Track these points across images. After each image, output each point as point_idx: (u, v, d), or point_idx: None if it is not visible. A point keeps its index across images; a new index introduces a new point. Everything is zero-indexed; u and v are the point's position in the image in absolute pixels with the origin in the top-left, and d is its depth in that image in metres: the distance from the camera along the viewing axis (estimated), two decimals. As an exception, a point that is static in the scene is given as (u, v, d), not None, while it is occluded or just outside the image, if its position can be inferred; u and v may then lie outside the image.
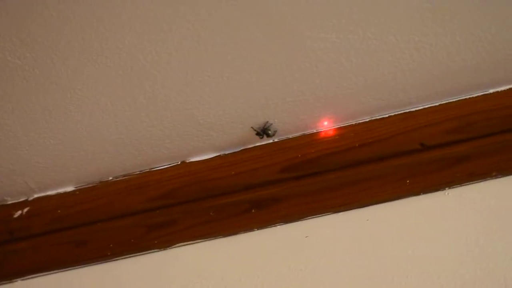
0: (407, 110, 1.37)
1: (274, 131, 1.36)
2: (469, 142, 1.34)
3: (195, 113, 1.33)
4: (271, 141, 1.39)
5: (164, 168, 1.43)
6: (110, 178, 1.44)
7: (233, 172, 1.40)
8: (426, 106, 1.36)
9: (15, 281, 1.45)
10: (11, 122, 1.30)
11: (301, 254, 1.35)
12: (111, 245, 1.42)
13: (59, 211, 1.45)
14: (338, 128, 1.38)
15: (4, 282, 1.44)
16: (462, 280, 1.27)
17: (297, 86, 1.30)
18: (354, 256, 1.33)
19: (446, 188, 1.34)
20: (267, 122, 1.35)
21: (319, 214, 1.37)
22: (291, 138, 1.39)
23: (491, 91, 1.35)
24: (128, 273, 1.41)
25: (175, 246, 1.41)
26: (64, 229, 1.45)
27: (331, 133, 1.38)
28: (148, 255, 1.42)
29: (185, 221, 1.41)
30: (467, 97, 1.35)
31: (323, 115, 1.36)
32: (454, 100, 1.35)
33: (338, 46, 1.23)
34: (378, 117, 1.38)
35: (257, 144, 1.40)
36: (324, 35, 1.21)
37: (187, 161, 1.42)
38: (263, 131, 1.35)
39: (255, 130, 1.35)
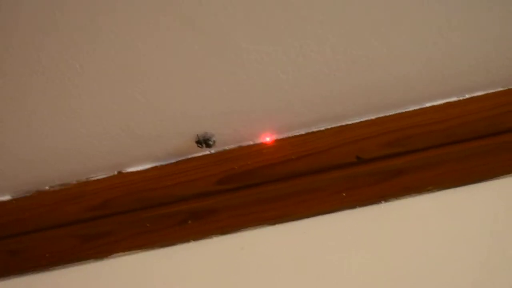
0: (344, 123, 1.37)
1: (214, 142, 1.35)
2: (405, 156, 1.34)
3: (131, 124, 1.32)
4: (207, 152, 1.38)
5: (100, 178, 1.42)
6: (47, 187, 1.43)
7: (169, 183, 1.39)
8: (363, 120, 1.36)
9: (-51, 291, 1.43)
10: None
11: (236, 266, 1.36)
12: (47, 255, 1.41)
13: (-5, 219, 1.43)
14: (274, 140, 1.38)
15: None
16: (396, 292, 1.27)
17: (233, 98, 1.29)
18: (289, 268, 1.33)
19: (382, 201, 1.34)
20: (206, 133, 1.34)
21: (255, 226, 1.37)
22: (227, 149, 1.39)
23: (427, 105, 1.35)
24: (64, 283, 1.41)
25: (111, 256, 1.40)
26: (0, 238, 1.43)
27: (267, 145, 1.37)
28: (84, 265, 1.41)
29: (121, 232, 1.40)
30: (404, 110, 1.35)
31: (259, 127, 1.36)
32: (391, 113, 1.35)
33: (274, 58, 1.22)
34: (314, 130, 1.37)
35: (194, 155, 1.40)
36: (261, 47, 1.21)
37: (124, 172, 1.42)
38: (204, 141, 1.34)
39: (198, 138, 1.34)
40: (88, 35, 1.15)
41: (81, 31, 1.14)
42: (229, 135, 1.36)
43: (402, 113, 1.35)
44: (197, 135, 1.33)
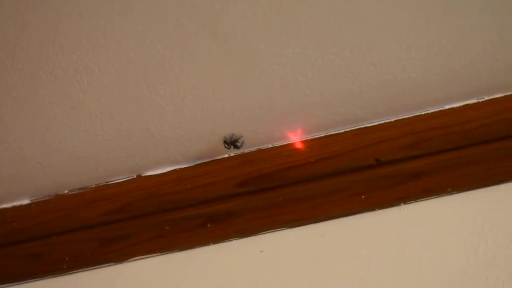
0: (363, 126, 1.36)
1: (242, 143, 1.35)
2: (424, 158, 1.34)
3: (151, 127, 1.32)
4: (226, 155, 1.38)
5: (119, 182, 1.42)
6: (66, 191, 1.43)
7: (188, 186, 1.39)
8: (382, 122, 1.36)
9: (-29, 295, 1.44)
10: (-34, 135, 1.29)
11: (256, 269, 1.35)
12: (66, 258, 1.41)
13: (14, 224, 1.44)
14: (293, 143, 1.37)
15: (-41, 295, 1.43)
16: (417, 295, 1.26)
17: (253, 101, 1.29)
18: (309, 271, 1.33)
19: (401, 204, 1.34)
20: (233, 134, 1.34)
21: (274, 229, 1.37)
22: (246, 152, 1.39)
23: (447, 107, 1.34)
24: (84, 286, 1.40)
25: (130, 260, 1.40)
26: (20, 242, 1.44)
27: (286, 148, 1.37)
28: (103, 268, 1.41)
29: (140, 235, 1.40)
30: (423, 113, 1.35)
31: (278, 130, 1.36)
32: (410, 116, 1.35)
33: (294, 60, 1.23)
34: (333, 132, 1.37)
35: (213, 158, 1.39)
36: (280, 50, 1.21)
37: (143, 175, 1.42)
38: (232, 143, 1.34)
39: (223, 140, 1.34)
40: (107, 38, 1.15)
41: (100, 33, 1.14)
42: (248, 138, 1.36)
43: (421, 115, 1.35)
44: (224, 136, 1.33)
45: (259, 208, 1.37)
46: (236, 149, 1.34)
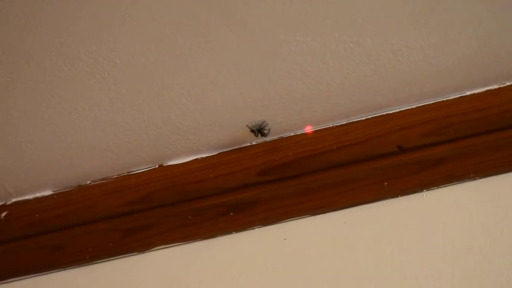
0: (384, 113, 1.36)
1: (269, 130, 1.35)
2: (447, 144, 1.34)
3: (172, 117, 1.32)
4: (248, 144, 1.39)
5: (141, 172, 1.43)
6: (88, 182, 1.44)
7: (210, 176, 1.40)
8: (403, 109, 1.36)
9: (-7, 285, 1.44)
10: (-13, 127, 1.29)
11: (279, 257, 1.35)
12: (89, 249, 1.42)
13: (37, 215, 1.44)
14: (315, 130, 1.38)
15: (-18, 286, 1.44)
16: (440, 281, 1.27)
17: (273, 89, 1.29)
18: (332, 258, 1.33)
19: (424, 190, 1.34)
20: (264, 121, 1.34)
21: (297, 216, 1.37)
22: (268, 141, 1.39)
23: (468, 93, 1.35)
24: (107, 277, 1.41)
25: (153, 249, 1.41)
26: (42, 233, 1.44)
27: (308, 135, 1.38)
28: (126, 258, 1.41)
29: (162, 225, 1.40)
30: (444, 99, 1.35)
31: (300, 118, 1.36)
32: (431, 102, 1.35)
33: (314, 48, 1.23)
34: (355, 120, 1.37)
35: (235, 148, 1.40)
36: (300, 38, 1.21)
37: (165, 165, 1.42)
38: (259, 130, 1.34)
39: (249, 128, 1.35)
40: (127, 29, 1.15)
41: (120, 24, 1.14)
42: (269, 127, 1.35)
43: (442, 101, 1.35)
44: (247, 125, 1.33)
45: (281, 197, 1.37)
46: (262, 136, 1.34)
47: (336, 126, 1.38)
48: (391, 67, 1.27)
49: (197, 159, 1.41)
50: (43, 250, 1.44)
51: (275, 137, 1.39)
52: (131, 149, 1.37)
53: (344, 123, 1.38)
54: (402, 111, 1.36)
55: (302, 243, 1.35)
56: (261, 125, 1.34)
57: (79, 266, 1.42)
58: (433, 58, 1.27)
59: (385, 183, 1.34)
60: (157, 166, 1.42)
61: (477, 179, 1.33)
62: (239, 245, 1.37)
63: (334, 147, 1.36)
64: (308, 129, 1.37)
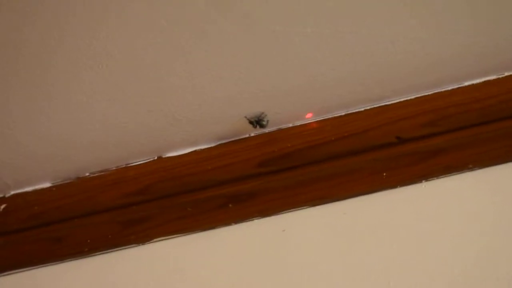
0: (383, 104, 1.37)
1: (267, 121, 1.35)
2: (445, 135, 1.34)
3: (170, 108, 1.32)
4: (247, 135, 1.39)
5: (140, 164, 1.43)
6: (87, 174, 1.44)
7: (209, 167, 1.40)
8: (402, 100, 1.36)
9: (-7, 277, 1.44)
10: (-15, 120, 1.29)
11: (278, 248, 1.35)
12: (88, 241, 1.42)
13: (36, 207, 1.44)
14: (313, 122, 1.38)
15: (-19, 278, 1.44)
16: (439, 271, 1.27)
17: (270, 81, 1.29)
18: (332, 249, 1.33)
19: (423, 181, 1.34)
20: (262, 113, 1.34)
21: (296, 208, 1.37)
22: (267, 132, 1.40)
23: (466, 83, 1.35)
24: (106, 269, 1.41)
25: (152, 241, 1.40)
26: (41, 226, 1.44)
27: (306, 127, 1.38)
28: (125, 250, 1.41)
29: (161, 217, 1.40)
30: (442, 90, 1.36)
31: (298, 109, 1.36)
32: (429, 93, 1.36)
33: (311, 40, 1.23)
34: (353, 111, 1.38)
35: (233, 139, 1.40)
36: (297, 29, 1.21)
37: (163, 157, 1.42)
38: (257, 122, 1.34)
39: (248, 119, 1.35)
40: (125, 22, 1.15)
41: (117, 17, 1.14)
42: (268, 118, 1.35)
43: (441, 92, 1.36)
44: (245, 117, 1.33)
45: (280, 188, 1.37)
46: (261, 128, 1.34)
47: (335, 117, 1.38)
48: (388, 58, 1.27)
49: (195, 150, 1.41)
50: (42, 243, 1.44)
51: (273, 129, 1.39)
52: (129, 141, 1.37)
53: (343, 114, 1.38)
54: (400, 102, 1.36)
55: (301, 234, 1.35)
56: (260, 116, 1.34)
57: (78, 258, 1.42)
58: (431, 49, 1.27)
59: (384, 174, 1.34)
60: (155, 158, 1.42)
61: (476, 169, 1.33)
62: (238, 237, 1.37)
63: (333, 138, 1.37)
64: (307, 120, 1.37)
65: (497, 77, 1.34)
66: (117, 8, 1.13)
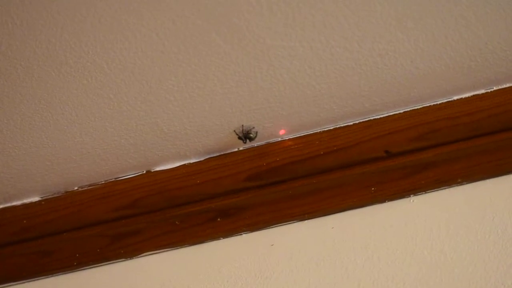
0: (372, 118, 1.36)
1: (256, 133, 1.35)
2: (434, 149, 1.34)
3: (159, 122, 1.32)
4: (235, 149, 1.38)
5: (129, 178, 1.43)
6: (75, 188, 1.44)
7: (198, 181, 1.39)
8: (391, 113, 1.36)
9: (-19, 292, 1.44)
10: (-25, 133, 1.29)
11: (267, 262, 1.35)
12: (77, 255, 1.42)
13: (24, 221, 1.44)
14: (302, 136, 1.38)
15: (-31, 293, 1.43)
16: (428, 286, 1.27)
17: (261, 94, 1.29)
18: (320, 263, 1.33)
19: (412, 195, 1.34)
20: (249, 126, 1.34)
21: (284, 222, 1.37)
22: (256, 146, 1.39)
23: (455, 97, 1.35)
24: (95, 283, 1.41)
25: (141, 255, 1.40)
26: (30, 240, 1.44)
27: (295, 141, 1.37)
28: (114, 264, 1.41)
29: (150, 231, 1.40)
30: (431, 104, 1.35)
31: (287, 123, 1.36)
32: (418, 107, 1.35)
33: (301, 54, 1.22)
34: (342, 125, 1.37)
35: (222, 153, 1.40)
36: (287, 43, 1.21)
37: (152, 170, 1.42)
38: (245, 136, 1.34)
39: (237, 134, 1.34)
40: (114, 34, 1.15)
41: (108, 30, 1.14)
42: (256, 130, 1.35)
43: (430, 106, 1.35)
44: (234, 130, 1.33)
45: (269, 202, 1.37)
46: (250, 141, 1.34)
47: (323, 131, 1.38)
48: (378, 72, 1.27)
49: (184, 164, 1.41)
50: (30, 256, 1.43)
51: (262, 143, 1.39)
52: (118, 154, 1.37)
53: (332, 128, 1.38)
54: (389, 116, 1.36)
55: (290, 248, 1.35)
56: (248, 130, 1.33)
57: (67, 272, 1.42)
58: (420, 63, 1.27)
59: (373, 188, 1.34)
60: (144, 172, 1.42)
61: (465, 184, 1.33)
62: (227, 251, 1.37)
63: (322, 152, 1.36)
64: (296, 134, 1.37)
65: (486, 91, 1.33)
66: (106, 21, 1.12)
